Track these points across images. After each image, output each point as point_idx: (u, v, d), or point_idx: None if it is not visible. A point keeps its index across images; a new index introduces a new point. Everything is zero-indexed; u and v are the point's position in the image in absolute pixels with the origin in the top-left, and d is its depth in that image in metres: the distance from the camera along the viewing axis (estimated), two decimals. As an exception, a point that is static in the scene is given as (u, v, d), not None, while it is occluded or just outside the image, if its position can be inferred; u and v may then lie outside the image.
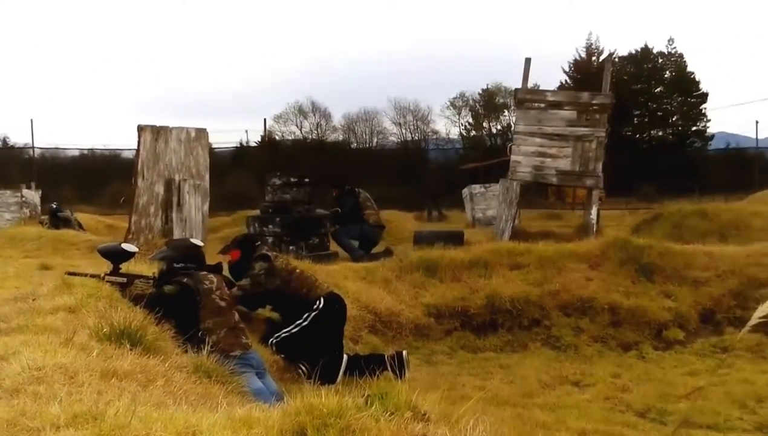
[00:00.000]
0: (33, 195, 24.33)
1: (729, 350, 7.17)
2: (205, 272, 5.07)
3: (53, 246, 16.25)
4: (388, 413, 2.34)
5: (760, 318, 2.15)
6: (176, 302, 4.73)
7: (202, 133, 13.98)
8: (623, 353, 7.43)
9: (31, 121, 41.67)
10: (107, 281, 5.10)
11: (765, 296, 7.33)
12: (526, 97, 14.53)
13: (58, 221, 19.88)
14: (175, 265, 5.07)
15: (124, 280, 5.14)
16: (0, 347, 3.26)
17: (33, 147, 31.34)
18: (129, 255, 5.56)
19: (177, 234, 12.61)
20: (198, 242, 7.24)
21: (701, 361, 7.08)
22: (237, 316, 5.16)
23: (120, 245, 5.62)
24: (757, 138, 50.03)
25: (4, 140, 39.19)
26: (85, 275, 5.27)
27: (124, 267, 5.31)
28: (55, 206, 20.95)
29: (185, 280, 4.89)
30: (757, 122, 66.71)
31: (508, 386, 6.17)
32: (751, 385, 5.98)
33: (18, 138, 51.30)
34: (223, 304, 4.94)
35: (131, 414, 2.30)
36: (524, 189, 15.56)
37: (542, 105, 14.29)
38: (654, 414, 5.43)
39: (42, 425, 2.31)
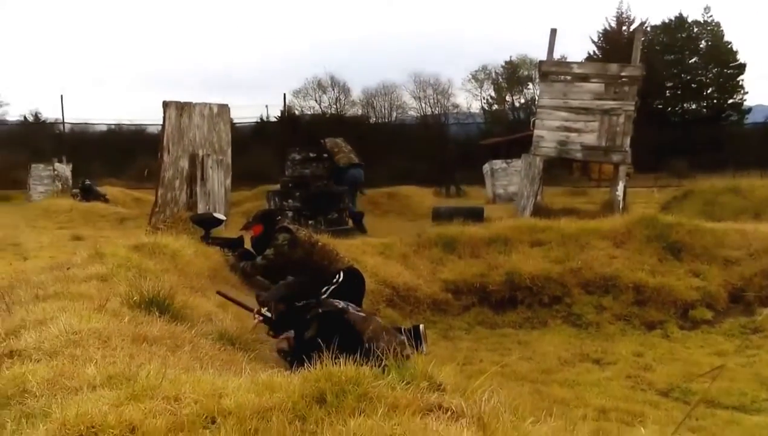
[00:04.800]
0: (64, 169, 24.76)
1: (759, 331, 6.97)
2: None
3: (84, 218, 16.63)
4: (405, 382, 2.41)
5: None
6: None
7: (224, 108, 14.05)
8: (647, 332, 7.34)
9: (61, 96, 41.99)
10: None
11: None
12: (551, 70, 14.30)
13: (88, 194, 20.34)
14: None
15: None
16: (39, 312, 3.40)
17: (63, 122, 31.56)
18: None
19: (201, 208, 12.77)
20: (221, 216, 7.51)
21: (729, 341, 6.92)
22: None
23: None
24: (798, 111, 48.36)
25: (36, 115, 39.69)
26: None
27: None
28: (84, 181, 21.42)
29: None
30: (798, 95, 63.83)
31: (527, 362, 6.20)
32: (782, 367, 5.78)
33: (48, 113, 51.77)
34: None
35: (162, 376, 2.41)
36: (548, 165, 15.43)
37: (568, 78, 14.06)
38: (677, 393, 5.36)
39: (79, 385, 2.44)
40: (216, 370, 2.80)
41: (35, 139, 31.93)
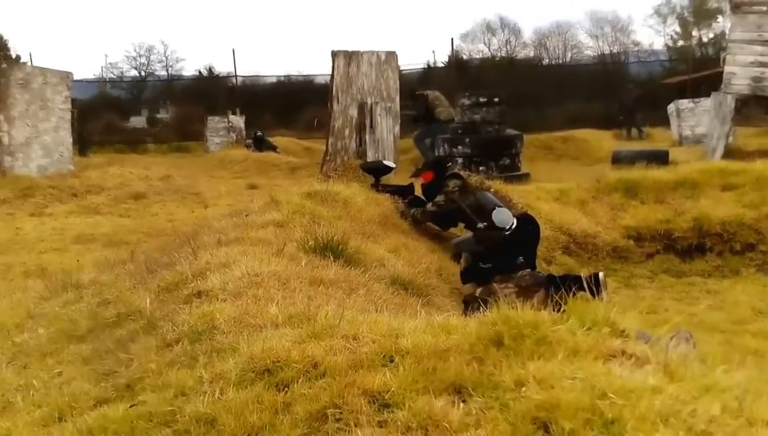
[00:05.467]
0: (238, 120, 26.29)
1: None
2: None
3: (258, 168, 17.62)
4: (585, 328, 2.28)
5: None
6: None
7: (391, 56, 14.11)
8: None
9: (233, 50, 44.46)
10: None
11: None
12: (744, 1, 13.02)
13: (260, 145, 21.51)
14: None
15: None
16: (222, 256, 3.60)
17: (235, 75, 33.21)
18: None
19: (370, 156, 13.00)
20: (390, 164, 7.58)
21: None
22: None
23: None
24: None
25: (210, 70, 42.33)
26: None
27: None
28: (257, 132, 22.65)
29: None
30: None
31: (717, 312, 5.77)
32: None
33: (221, 67, 55.08)
34: None
35: (340, 317, 2.46)
36: (740, 103, 14.12)
37: (763, 8, 12.77)
38: None
39: (263, 323, 2.55)
40: (390, 312, 2.82)
41: (210, 93, 34.07)
